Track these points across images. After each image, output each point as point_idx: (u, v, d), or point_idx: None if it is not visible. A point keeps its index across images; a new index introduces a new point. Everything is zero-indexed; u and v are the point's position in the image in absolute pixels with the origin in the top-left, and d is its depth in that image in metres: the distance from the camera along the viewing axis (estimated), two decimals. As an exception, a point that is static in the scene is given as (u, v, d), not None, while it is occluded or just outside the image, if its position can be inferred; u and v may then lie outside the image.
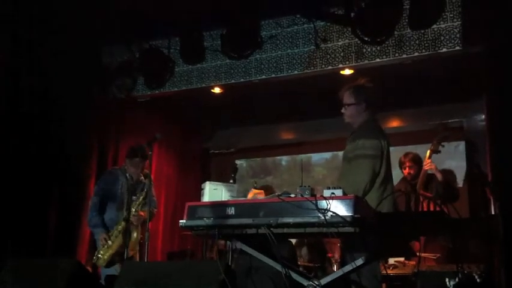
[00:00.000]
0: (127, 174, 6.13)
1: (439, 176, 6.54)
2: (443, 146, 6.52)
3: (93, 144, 7.24)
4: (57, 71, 6.54)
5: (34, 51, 6.33)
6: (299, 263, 6.25)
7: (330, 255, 6.50)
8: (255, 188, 7.10)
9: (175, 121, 8.64)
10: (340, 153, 4.57)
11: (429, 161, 6.45)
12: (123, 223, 5.85)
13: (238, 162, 9.61)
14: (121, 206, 6.01)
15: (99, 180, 6.43)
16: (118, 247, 5.86)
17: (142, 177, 6.20)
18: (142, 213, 5.92)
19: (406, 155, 6.80)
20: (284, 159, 9.80)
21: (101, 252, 5.93)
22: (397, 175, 6.90)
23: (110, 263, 5.90)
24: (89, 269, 6.04)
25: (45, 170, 6.43)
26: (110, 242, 5.89)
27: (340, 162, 4.55)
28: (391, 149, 4.32)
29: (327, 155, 9.21)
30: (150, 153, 5.71)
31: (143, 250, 5.66)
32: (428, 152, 6.52)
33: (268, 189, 5.55)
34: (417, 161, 6.69)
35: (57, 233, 6.56)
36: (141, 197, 5.90)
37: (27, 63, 6.30)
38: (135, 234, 5.92)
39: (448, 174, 7.69)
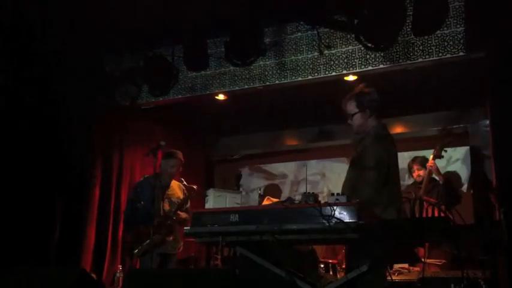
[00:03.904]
0: (160, 180, 6.36)
1: (440, 179, 6.57)
2: (445, 151, 6.56)
3: (97, 152, 7.26)
4: (60, 79, 6.56)
5: (36, 61, 6.35)
6: None
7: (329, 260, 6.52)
8: (260, 194, 7.13)
9: (179, 128, 8.64)
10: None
11: (432, 162, 6.51)
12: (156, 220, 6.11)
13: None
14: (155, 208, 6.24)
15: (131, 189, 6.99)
16: (156, 242, 6.07)
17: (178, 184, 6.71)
18: (182, 214, 6.45)
19: (414, 159, 6.87)
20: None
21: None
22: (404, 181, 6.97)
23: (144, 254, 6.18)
24: (94, 276, 6.06)
25: (49, 178, 6.44)
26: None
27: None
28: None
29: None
30: (154, 159, 6.02)
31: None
32: (431, 156, 6.56)
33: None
34: (425, 164, 6.74)
35: (62, 241, 6.56)
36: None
37: (30, 73, 6.31)
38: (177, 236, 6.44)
39: (451, 176, 7.72)
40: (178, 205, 6.50)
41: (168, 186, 6.59)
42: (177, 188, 6.67)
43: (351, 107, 4.41)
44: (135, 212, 6.39)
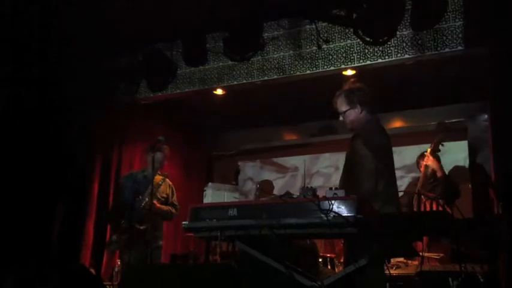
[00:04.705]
0: (144, 173, 6.41)
1: (438, 172, 6.58)
2: (443, 145, 6.58)
3: (96, 149, 7.27)
4: (59, 77, 6.55)
5: (35, 60, 6.33)
6: None
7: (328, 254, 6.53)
8: (258, 188, 7.15)
9: (178, 124, 8.64)
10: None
11: (429, 156, 6.53)
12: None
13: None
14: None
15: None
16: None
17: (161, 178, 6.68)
18: (163, 207, 6.50)
19: (421, 155, 6.92)
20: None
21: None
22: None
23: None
24: (92, 271, 6.07)
25: (49, 176, 6.44)
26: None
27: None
28: (393, 149, 4.30)
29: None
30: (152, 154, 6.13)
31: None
32: (429, 150, 6.58)
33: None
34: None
35: (61, 237, 6.57)
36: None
37: (29, 73, 6.30)
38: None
39: (450, 171, 7.72)
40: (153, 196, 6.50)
41: (152, 179, 6.51)
42: (159, 181, 6.66)
43: (341, 104, 4.34)
44: (131, 207, 6.38)
